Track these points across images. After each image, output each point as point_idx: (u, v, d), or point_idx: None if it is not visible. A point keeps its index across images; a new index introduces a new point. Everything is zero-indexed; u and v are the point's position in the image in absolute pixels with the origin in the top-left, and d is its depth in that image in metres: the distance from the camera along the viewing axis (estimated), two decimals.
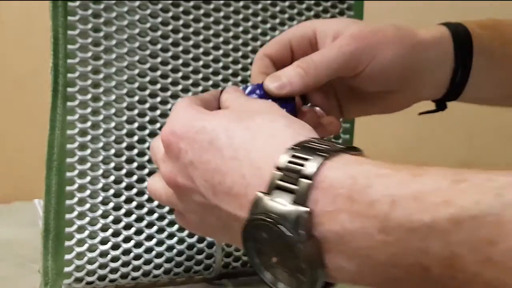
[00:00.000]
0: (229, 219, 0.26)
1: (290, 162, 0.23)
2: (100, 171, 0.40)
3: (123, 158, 0.41)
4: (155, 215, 0.42)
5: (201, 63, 0.43)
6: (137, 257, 0.42)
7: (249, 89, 0.34)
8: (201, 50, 0.43)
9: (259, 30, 0.45)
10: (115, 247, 0.41)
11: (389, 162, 0.22)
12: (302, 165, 0.23)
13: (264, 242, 0.23)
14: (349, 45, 0.35)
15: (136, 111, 0.41)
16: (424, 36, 0.37)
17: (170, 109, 0.42)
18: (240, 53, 0.45)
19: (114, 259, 0.41)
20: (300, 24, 0.39)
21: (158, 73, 0.41)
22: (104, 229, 0.41)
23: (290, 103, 0.35)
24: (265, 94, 0.34)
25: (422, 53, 0.37)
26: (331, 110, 0.39)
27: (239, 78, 0.45)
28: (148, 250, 0.42)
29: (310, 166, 0.22)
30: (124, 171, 0.41)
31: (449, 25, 0.39)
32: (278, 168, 0.23)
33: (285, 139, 0.25)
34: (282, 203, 0.22)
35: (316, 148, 0.23)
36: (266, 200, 0.23)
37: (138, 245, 0.42)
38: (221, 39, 0.44)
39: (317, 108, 0.38)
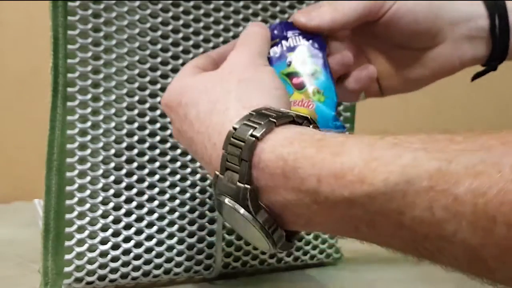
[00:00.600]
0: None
1: (231, 143, 0.26)
2: (100, 171, 0.40)
3: (123, 158, 0.41)
4: (155, 215, 0.42)
5: None
6: (137, 257, 0.42)
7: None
8: (201, 50, 0.43)
9: None
10: (115, 247, 0.41)
11: (316, 139, 0.25)
12: (240, 148, 0.26)
13: (230, 216, 0.27)
14: None
15: (136, 111, 0.41)
16: None
17: None
18: None
19: (114, 259, 0.41)
20: None
21: (158, 73, 0.42)
22: (104, 229, 0.41)
23: (322, 44, 0.36)
24: (283, 31, 0.35)
25: (449, 3, 0.38)
26: (370, 89, 0.40)
27: None
28: (148, 250, 0.42)
29: (245, 150, 0.25)
30: (124, 171, 0.41)
31: None
32: (225, 150, 0.26)
33: (232, 114, 0.28)
34: (231, 182, 0.26)
35: (253, 126, 0.26)
36: (220, 180, 0.26)
37: (138, 245, 0.42)
38: (221, 39, 0.44)
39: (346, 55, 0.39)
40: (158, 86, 0.42)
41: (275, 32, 0.37)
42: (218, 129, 0.28)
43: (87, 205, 0.40)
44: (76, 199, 0.39)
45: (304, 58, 0.35)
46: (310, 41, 0.36)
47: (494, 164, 0.18)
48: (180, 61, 0.42)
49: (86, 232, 0.40)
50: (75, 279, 0.40)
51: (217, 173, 0.27)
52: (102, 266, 0.41)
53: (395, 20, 0.37)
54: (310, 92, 0.34)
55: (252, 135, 0.25)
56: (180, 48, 0.42)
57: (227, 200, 0.26)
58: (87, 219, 0.40)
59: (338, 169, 0.22)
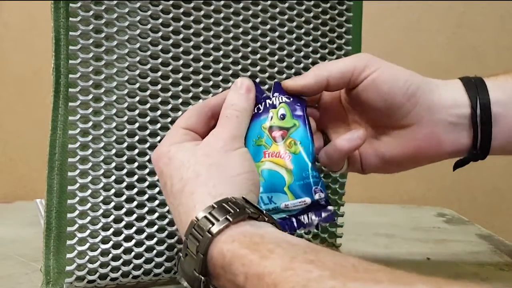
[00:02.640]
0: None
1: (191, 233, 0.30)
2: (101, 171, 0.40)
3: (124, 158, 0.41)
4: (156, 214, 0.43)
5: (201, 63, 0.43)
6: (138, 256, 0.42)
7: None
8: (201, 51, 0.43)
9: (259, 31, 0.45)
10: (116, 246, 0.41)
11: (253, 242, 0.28)
12: (198, 241, 0.30)
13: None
14: (359, 56, 0.40)
15: (137, 112, 0.41)
16: (431, 80, 0.40)
17: (170, 109, 0.42)
18: (240, 54, 0.45)
19: (115, 258, 0.41)
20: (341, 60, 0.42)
21: (159, 73, 0.42)
22: (105, 228, 0.41)
23: (303, 103, 0.39)
24: (259, 97, 0.38)
25: (434, 87, 0.40)
26: (353, 161, 0.42)
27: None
28: (149, 249, 0.42)
29: (202, 244, 0.29)
30: (125, 171, 0.41)
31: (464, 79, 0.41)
32: (186, 237, 0.31)
33: (195, 200, 0.32)
34: (189, 269, 0.30)
35: (211, 222, 0.30)
36: (182, 263, 0.31)
37: (139, 244, 0.42)
38: (221, 40, 0.44)
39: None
40: (159, 86, 0.42)
41: (259, 94, 0.39)
42: (185, 210, 0.32)
43: (89, 205, 0.40)
44: (77, 199, 0.40)
45: (284, 114, 0.38)
46: (291, 99, 0.39)
47: None
48: (181, 62, 0.43)
49: (88, 231, 0.40)
50: (77, 278, 0.40)
51: (180, 255, 0.31)
52: (103, 265, 0.41)
53: (372, 87, 0.39)
54: (287, 144, 0.37)
55: (209, 231, 0.29)
56: (181, 49, 0.42)
57: (185, 284, 0.31)
58: (89, 218, 0.40)
59: (261, 271, 0.26)
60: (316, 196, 0.36)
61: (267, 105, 0.38)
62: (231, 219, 0.30)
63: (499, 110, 0.39)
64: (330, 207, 0.37)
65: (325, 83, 0.39)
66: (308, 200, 0.35)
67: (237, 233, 0.29)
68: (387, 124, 0.41)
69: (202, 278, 0.29)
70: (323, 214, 0.36)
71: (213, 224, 0.30)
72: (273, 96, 0.39)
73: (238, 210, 0.30)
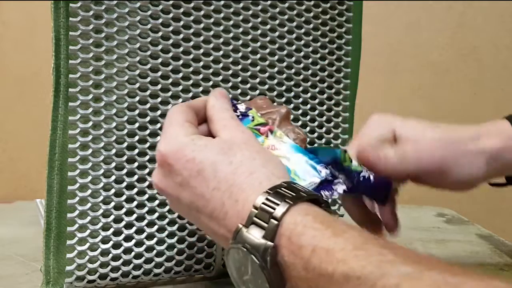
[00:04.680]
0: (211, 229, 0.32)
1: (264, 203, 0.29)
2: (101, 171, 0.40)
3: (124, 158, 0.41)
4: (156, 214, 0.43)
5: (201, 63, 0.43)
6: (138, 256, 0.42)
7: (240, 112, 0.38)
8: (201, 51, 0.43)
9: (259, 31, 0.45)
10: (116, 246, 0.41)
11: (327, 218, 0.28)
12: (273, 208, 0.28)
13: (241, 263, 0.29)
14: (434, 154, 0.42)
15: (137, 112, 0.41)
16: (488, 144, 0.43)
17: None
18: (240, 54, 0.45)
19: (115, 258, 0.41)
20: (378, 122, 0.44)
21: (159, 73, 0.42)
22: (105, 228, 0.41)
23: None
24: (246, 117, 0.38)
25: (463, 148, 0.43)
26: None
27: (239, 79, 0.45)
28: (149, 249, 0.43)
29: (279, 210, 0.28)
30: (125, 171, 0.41)
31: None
32: (255, 207, 0.29)
33: (261, 178, 0.31)
34: (255, 237, 0.28)
35: (285, 195, 0.29)
36: (244, 232, 0.29)
37: (139, 244, 0.42)
38: (221, 40, 0.44)
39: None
40: (159, 86, 0.42)
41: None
42: (244, 188, 0.30)
43: (89, 205, 0.40)
44: (77, 199, 0.40)
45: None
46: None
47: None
48: (181, 62, 0.43)
49: (88, 231, 0.40)
50: (77, 278, 0.40)
51: (240, 225, 0.29)
52: (103, 265, 0.41)
53: (401, 168, 0.42)
54: (278, 135, 0.37)
55: (286, 201, 0.29)
56: (181, 49, 0.42)
57: (244, 250, 0.28)
58: (89, 218, 0.40)
59: (331, 246, 0.26)
60: (323, 174, 0.36)
61: (242, 110, 0.38)
62: (305, 194, 0.29)
63: None
64: (337, 180, 0.37)
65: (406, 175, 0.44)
66: (316, 179, 0.36)
67: (311, 208, 0.29)
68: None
69: (272, 244, 0.27)
70: (334, 188, 0.37)
71: (287, 196, 0.29)
72: (238, 103, 0.39)
73: (294, 194, 0.30)
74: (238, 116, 0.37)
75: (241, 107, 0.38)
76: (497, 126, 0.44)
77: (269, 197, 0.29)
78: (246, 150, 0.32)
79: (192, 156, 0.32)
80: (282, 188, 0.30)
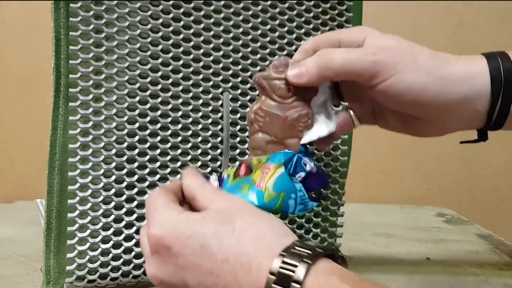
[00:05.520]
0: None
1: (281, 267, 0.27)
2: (102, 171, 0.40)
3: (124, 158, 0.41)
4: None
5: (201, 64, 0.43)
6: (138, 255, 0.42)
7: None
8: (201, 51, 0.43)
9: (259, 31, 0.46)
10: (116, 245, 0.41)
11: (352, 277, 0.26)
12: (293, 271, 0.27)
13: None
14: (374, 55, 0.36)
15: (137, 112, 0.41)
16: (457, 69, 0.36)
17: (170, 109, 0.43)
18: (240, 54, 0.45)
19: (115, 257, 0.41)
20: (357, 28, 0.39)
21: (159, 74, 0.42)
22: (105, 228, 0.41)
23: (311, 93, 0.38)
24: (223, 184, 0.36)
25: (449, 87, 0.36)
26: (365, 116, 0.41)
27: (239, 79, 0.45)
28: None
29: (299, 272, 0.26)
30: (125, 171, 0.41)
31: (490, 56, 0.38)
32: (272, 273, 0.27)
33: (269, 241, 0.29)
34: None
35: (301, 255, 0.27)
36: None
37: (139, 243, 0.42)
38: (221, 40, 0.44)
39: (352, 112, 0.41)
40: (159, 86, 0.42)
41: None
42: (255, 255, 0.28)
43: (89, 204, 0.40)
44: (77, 199, 0.40)
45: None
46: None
47: None
48: (181, 62, 0.43)
49: (88, 231, 0.40)
50: (77, 278, 0.40)
51: None
52: (104, 264, 0.41)
53: (381, 94, 0.37)
54: (255, 161, 0.36)
55: (305, 261, 0.27)
56: (181, 49, 0.43)
57: None
58: (89, 218, 0.40)
59: None
60: (307, 168, 0.36)
61: (214, 179, 0.38)
62: (321, 251, 0.28)
63: None
64: (321, 171, 0.37)
65: (330, 79, 0.37)
66: (302, 173, 0.36)
67: (332, 267, 0.28)
68: (398, 115, 0.40)
69: None
70: (317, 181, 0.37)
71: (304, 256, 0.27)
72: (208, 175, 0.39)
73: (309, 251, 0.28)
74: (216, 185, 0.36)
75: (212, 177, 0.37)
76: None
77: (285, 260, 0.27)
78: (245, 214, 0.30)
79: (191, 232, 0.30)
80: (296, 248, 0.28)
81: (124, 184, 0.41)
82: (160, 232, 0.30)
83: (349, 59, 0.36)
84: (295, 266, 0.27)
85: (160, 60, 0.42)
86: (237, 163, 0.46)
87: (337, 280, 0.26)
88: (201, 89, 0.44)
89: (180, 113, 0.43)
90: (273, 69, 0.37)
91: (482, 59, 0.38)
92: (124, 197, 0.41)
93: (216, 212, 0.31)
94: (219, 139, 0.45)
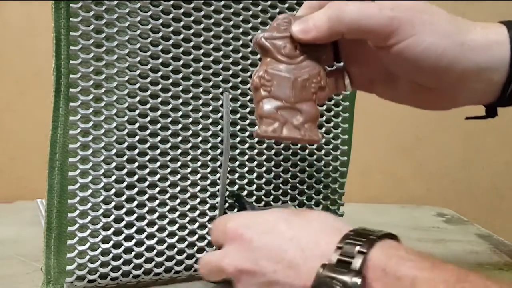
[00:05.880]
0: (289, 280, 0.30)
1: (347, 242, 0.28)
2: (102, 171, 0.40)
3: (124, 158, 0.41)
4: (156, 214, 0.43)
5: (201, 64, 0.44)
6: (138, 255, 0.42)
7: None
8: (201, 51, 0.43)
9: (259, 31, 0.46)
10: (117, 245, 0.41)
11: (419, 252, 0.27)
12: (359, 244, 0.28)
13: None
14: (392, 11, 0.32)
15: (137, 112, 0.41)
16: (476, 36, 0.34)
17: (170, 110, 0.43)
18: (240, 54, 0.45)
19: (116, 257, 0.41)
20: None
21: (159, 74, 0.42)
22: (105, 228, 0.41)
23: (322, 51, 0.34)
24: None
25: (468, 54, 0.34)
26: (361, 82, 0.39)
27: (239, 79, 0.45)
28: (149, 248, 0.43)
29: (366, 245, 0.28)
30: (125, 171, 0.41)
31: (510, 25, 0.35)
32: (339, 247, 0.28)
33: (337, 225, 0.30)
34: (342, 273, 0.27)
35: (367, 234, 0.29)
36: (330, 269, 0.27)
37: (139, 243, 0.42)
38: (221, 40, 0.44)
39: (345, 73, 0.38)
40: (159, 86, 0.42)
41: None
42: (323, 234, 0.30)
43: (89, 204, 0.40)
44: (78, 198, 0.40)
45: None
46: None
47: None
48: (181, 62, 0.43)
49: (88, 231, 0.40)
50: (77, 278, 0.40)
51: (326, 263, 0.28)
52: (104, 264, 0.41)
53: (395, 57, 0.34)
54: None
55: (370, 238, 0.28)
56: (181, 49, 0.43)
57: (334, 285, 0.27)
58: (89, 218, 0.40)
59: (432, 277, 0.25)
60: None
61: None
62: (384, 232, 0.29)
63: None
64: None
65: (340, 36, 0.33)
66: None
67: (398, 243, 0.29)
68: (405, 83, 0.37)
69: (359, 279, 0.26)
70: None
71: (369, 235, 0.29)
72: None
73: (374, 232, 0.30)
74: None
75: None
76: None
77: (352, 237, 0.29)
78: (300, 216, 0.32)
79: (263, 219, 0.32)
80: (361, 230, 0.30)
81: (124, 184, 0.41)
82: (236, 224, 0.33)
83: (364, 12, 0.32)
84: (361, 241, 0.28)
85: (160, 60, 0.42)
86: (237, 163, 0.46)
87: (404, 250, 0.27)
88: (201, 89, 0.44)
89: (180, 113, 0.43)
90: (275, 29, 0.34)
91: (501, 27, 0.35)
92: (124, 197, 0.41)
93: (284, 210, 0.33)
94: (219, 139, 0.45)
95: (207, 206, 0.45)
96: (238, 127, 0.46)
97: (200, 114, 0.44)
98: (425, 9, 0.33)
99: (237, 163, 0.46)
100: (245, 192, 0.46)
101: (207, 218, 0.45)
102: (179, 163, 0.43)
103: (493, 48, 0.34)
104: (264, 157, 0.47)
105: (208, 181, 0.45)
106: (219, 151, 0.45)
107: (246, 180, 0.46)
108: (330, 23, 0.33)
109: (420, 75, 0.35)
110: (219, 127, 0.45)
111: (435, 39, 0.33)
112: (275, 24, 0.35)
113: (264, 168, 0.47)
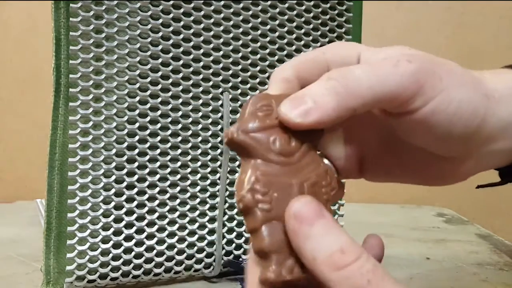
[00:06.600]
0: None
1: None
2: (101, 171, 0.40)
3: (124, 158, 0.41)
4: (156, 214, 0.43)
5: (201, 64, 0.43)
6: (138, 255, 0.42)
7: None
8: (201, 51, 0.43)
9: (259, 31, 0.46)
10: (116, 245, 0.41)
11: None
12: None
13: None
14: (410, 63, 0.24)
15: (137, 112, 0.41)
16: (497, 86, 0.27)
17: (170, 109, 0.43)
18: (240, 54, 0.45)
19: (115, 257, 0.41)
20: (342, 43, 0.28)
21: (159, 74, 0.42)
22: (105, 228, 0.41)
23: (317, 137, 0.25)
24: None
25: (495, 108, 0.27)
26: (348, 168, 0.29)
27: (239, 79, 0.45)
28: (149, 248, 0.43)
29: None
30: (125, 171, 0.41)
31: None
32: None
33: None
34: None
35: None
36: None
37: (139, 243, 0.42)
38: (221, 40, 0.44)
39: (331, 165, 0.27)
40: (159, 86, 0.42)
41: None
42: None
43: (89, 204, 0.40)
44: (77, 198, 0.40)
45: None
46: None
47: None
48: (181, 62, 0.43)
49: (88, 231, 0.40)
50: (77, 278, 0.40)
51: None
52: (104, 264, 0.41)
53: (421, 123, 0.25)
54: None
55: None
56: (181, 49, 0.43)
57: None
58: (89, 218, 0.40)
59: None
60: None
61: None
62: None
63: None
64: None
65: (350, 114, 0.23)
66: None
67: None
68: (420, 158, 0.29)
69: None
70: None
71: None
72: None
73: None
74: None
75: None
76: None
77: None
78: None
79: None
80: None
81: (124, 184, 0.41)
82: None
83: (379, 74, 0.23)
84: None
85: (160, 60, 0.42)
86: (237, 163, 0.46)
87: None
88: (201, 89, 0.44)
89: (180, 113, 0.43)
90: (252, 118, 0.23)
91: (508, 72, 0.29)
92: (124, 197, 0.41)
93: None
94: (219, 139, 0.45)
95: (207, 206, 0.45)
96: None
97: (200, 114, 0.44)
98: (432, 57, 0.26)
99: (237, 163, 0.46)
100: None
101: (207, 218, 0.45)
102: (179, 163, 0.43)
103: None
104: None
105: (208, 181, 0.45)
106: (219, 151, 0.45)
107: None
108: (338, 99, 0.23)
109: (446, 141, 0.26)
110: (219, 127, 0.45)
111: (465, 93, 0.25)
112: (250, 110, 0.24)
113: None
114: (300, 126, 0.23)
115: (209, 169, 0.45)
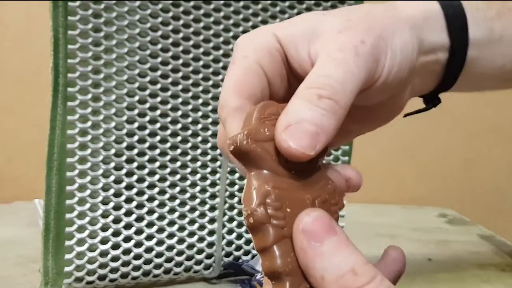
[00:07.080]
0: None
1: None
2: (100, 171, 0.40)
3: (123, 158, 0.41)
4: (155, 215, 0.42)
5: (201, 63, 0.43)
6: (137, 256, 0.42)
7: None
8: (201, 50, 0.43)
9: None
10: (115, 246, 0.41)
11: None
12: None
13: None
14: (364, 43, 0.25)
15: (136, 111, 0.41)
16: (411, 12, 0.28)
17: (170, 109, 0.42)
18: None
19: (114, 258, 0.41)
20: (253, 34, 0.28)
21: (158, 73, 0.42)
22: (104, 228, 0.41)
23: (322, 153, 0.23)
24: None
25: (419, 35, 0.28)
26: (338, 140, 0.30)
27: None
28: (148, 249, 0.42)
29: None
30: (124, 171, 0.41)
31: None
32: None
33: None
34: None
35: None
36: None
37: (138, 244, 0.42)
38: (221, 39, 0.44)
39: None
40: (158, 86, 0.42)
41: None
42: None
43: (87, 205, 0.40)
44: (76, 199, 0.39)
45: None
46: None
47: None
48: (180, 61, 0.42)
49: (86, 232, 0.40)
50: (76, 279, 0.40)
51: None
52: (102, 265, 0.41)
53: (388, 79, 0.27)
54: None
55: None
56: (180, 48, 0.42)
57: None
58: (87, 218, 0.40)
59: None
60: None
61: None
62: None
63: (474, 54, 0.31)
64: None
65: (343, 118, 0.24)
66: None
67: None
68: (370, 109, 0.30)
69: None
70: None
71: None
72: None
73: None
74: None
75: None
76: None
77: None
78: None
79: None
80: None
81: (123, 184, 0.41)
82: None
83: (352, 74, 0.24)
84: None
85: (159, 59, 0.41)
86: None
87: None
88: (200, 88, 0.43)
89: (179, 112, 0.43)
90: (259, 125, 0.22)
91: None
92: (123, 197, 0.41)
93: None
94: None
95: (207, 206, 0.44)
96: None
97: (200, 113, 0.44)
98: (368, 16, 0.27)
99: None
100: None
101: (207, 219, 0.44)
102: (178, 163, 0.43)
103: (431, 21, 0.29)
104: None
105: (208, 182, 0.44)
106: (219, 151, 0.45)
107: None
108: (336, 117, 0.22)
109: (398, 87, 0.28)
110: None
111: (401, 38, 0.27)
112: (256, 116, 0.22)
113: None
114: (308, 157, 0.21)
115: (209, 169, 0.44)
